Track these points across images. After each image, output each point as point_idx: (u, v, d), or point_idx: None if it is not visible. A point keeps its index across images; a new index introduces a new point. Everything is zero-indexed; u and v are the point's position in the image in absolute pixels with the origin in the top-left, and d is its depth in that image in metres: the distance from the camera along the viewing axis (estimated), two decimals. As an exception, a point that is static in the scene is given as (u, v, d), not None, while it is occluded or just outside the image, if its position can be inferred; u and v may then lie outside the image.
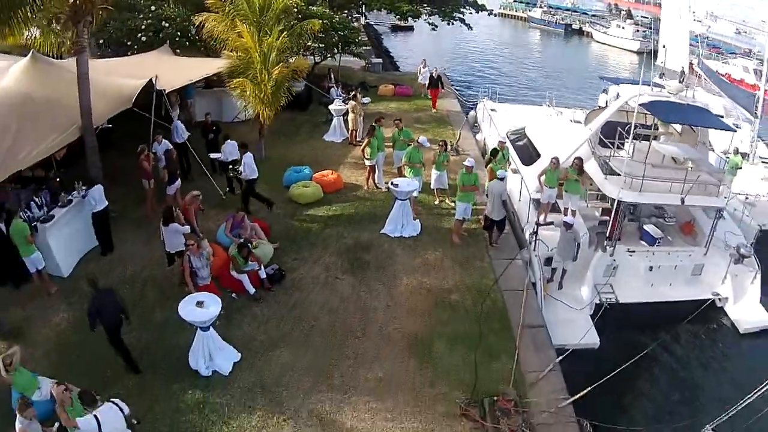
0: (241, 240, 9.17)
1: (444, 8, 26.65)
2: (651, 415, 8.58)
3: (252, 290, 8.76)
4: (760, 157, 17.68)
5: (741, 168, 14.91)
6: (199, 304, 7.13)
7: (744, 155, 17.11)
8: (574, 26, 48.35)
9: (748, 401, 6.77)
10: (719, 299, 11.42)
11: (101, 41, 17.39)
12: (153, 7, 17.36)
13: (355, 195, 12.53)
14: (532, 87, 29.18)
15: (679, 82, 12.94)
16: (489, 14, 30.32)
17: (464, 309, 8.93)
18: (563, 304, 10.35)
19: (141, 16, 16.87)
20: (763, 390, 6.76)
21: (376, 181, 12.90)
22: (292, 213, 11.58)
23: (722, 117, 19.52)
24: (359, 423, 6.91)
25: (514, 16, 55.40)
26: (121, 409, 5.62)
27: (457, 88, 24.73)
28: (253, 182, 11.50)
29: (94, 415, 5.40)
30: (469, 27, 28.54)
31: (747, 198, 14.24)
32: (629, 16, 45.45)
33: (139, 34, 16.65)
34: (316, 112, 17.77)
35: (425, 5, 26.59)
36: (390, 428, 6.86)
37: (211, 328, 7.39)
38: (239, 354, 7.77)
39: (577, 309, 10.33)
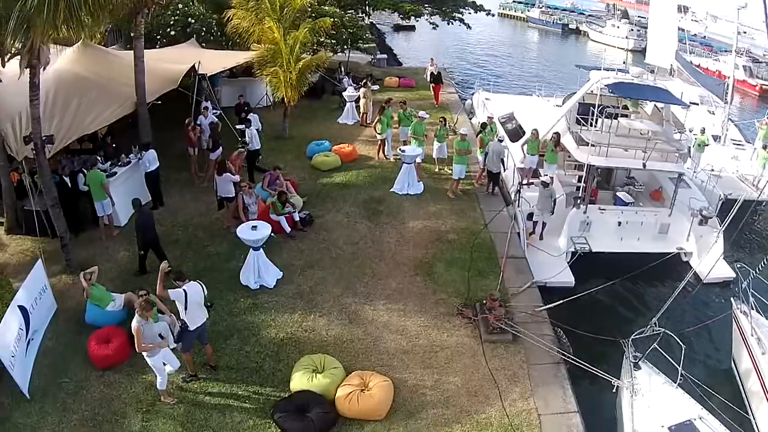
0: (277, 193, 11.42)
1: (444, 8, 29.07)
2: (612, 327, 10.56)
3: (288, 229, 11.03)
4: (732, 140, 19.92)
5: (708, 145, 17.12)
6: (254, 228, 9.37)
7: (716, 137, 19.39)
8: (571, 26, 50.86)
9: (675, 295, 8.91)
10: (684, 254, 13.39)
11: (132, 34, 19.72)
12: (180, 5, 19.69)
13: (368, 164, 14.85)
14: (525, 81, 31.50)
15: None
16: (487, 14, 32.54)
17: (459, 243, 11.21)
18: (543, 252, 12.53)
19: (169, 12, 19.16)
20: (684, 284, 8.92)
21: (385, 153, 15.21)
22: (315, 177, 13.92)
23: (697, 104, 21.91)
24: (378, 317, 9.14)
25: (514, 16, 58.03)
26: (203, 288, 7.72)
27: (456, 81, 27.06)
28: (256, 152, 13.70)
29: (183, 289, 7.49)
30: (468, 26, 30.91)
31: (712, 170, 16.46)
32: (624, 15, 47.85)
33: (169, 29, 18.97)
34: (329, 101, 20.19)
35: (426, 5, 29.01)
36: (402, 321, 9.08)
37: (261, 249, 9.60)
38: (281, 272, 9.99)
39: (555, 256, 12.49)
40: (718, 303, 12.19)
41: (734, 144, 19.71)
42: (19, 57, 9.26)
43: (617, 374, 8.31)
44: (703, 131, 17.29)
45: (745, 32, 48.83)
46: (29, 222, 11.16)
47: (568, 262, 12.31)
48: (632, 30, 43.69)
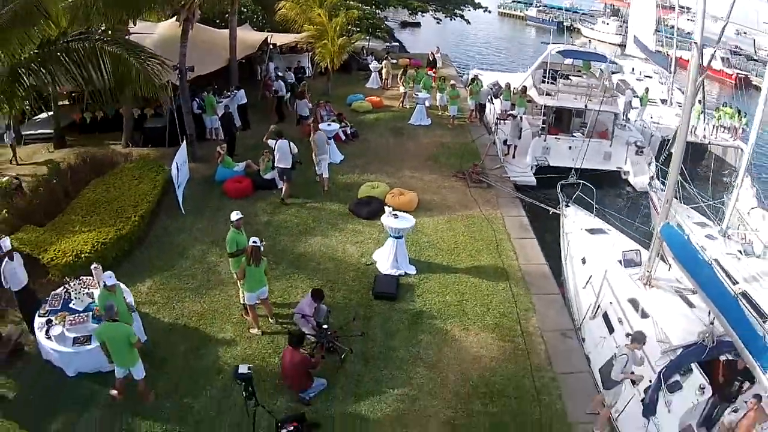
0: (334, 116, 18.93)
1: (447, 5, 36.91)
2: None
3: (343, 138, 18.49)
4: (677, 102, 27.33)
5: (647, 101, 24.52)
6: (328, 125, 16.76)
7: (663, 100, 26.82)
8: (565, 23, 58.88)
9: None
10: (624, 173, 20.54)
11: (228, 11, 27.02)
12: (234, -5, 27.31)
13: (392, 109, 22.73)
14: (514, 63, 39.24)
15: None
16: (484, 11, 40.42)
17: (455, 149, 18.87)
18: (515, 166, 19.71)
19: (226, 2, 26.72)
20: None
21: (404, 103, 22.78)
22: (355, 115, 21.58)
23: (650, 77, 29.54)
24: (405, 175, 16.58)
25: (513, 15, 66.66)
26: (291, 147, 14.79)
27: (456, 64, 34.91)
28: (282, 97, 20.88)
29: (277, 141, 14.53)
30: (468, 21, 38.76)
31: (652, 118, 23.85)
32: (614, 13, 56.04)
33: (226, 15, 26.51)
34: (356, 74, 28.13)
35: (431, 3, 36.82)
36: (420, 176, 16.55)
37: (332, 140, 16.92)
38: (343, 156, 17.41)
39: (523, 168, 19.69)
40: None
41: (679, 106, 27.09)
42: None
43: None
44: (646, 91, 24.77)
45: (745, 33, 57.03)
46: (149, 137, 18.05)
47: (532, 172, 19.52)
48: (620, 26, 51.63)
